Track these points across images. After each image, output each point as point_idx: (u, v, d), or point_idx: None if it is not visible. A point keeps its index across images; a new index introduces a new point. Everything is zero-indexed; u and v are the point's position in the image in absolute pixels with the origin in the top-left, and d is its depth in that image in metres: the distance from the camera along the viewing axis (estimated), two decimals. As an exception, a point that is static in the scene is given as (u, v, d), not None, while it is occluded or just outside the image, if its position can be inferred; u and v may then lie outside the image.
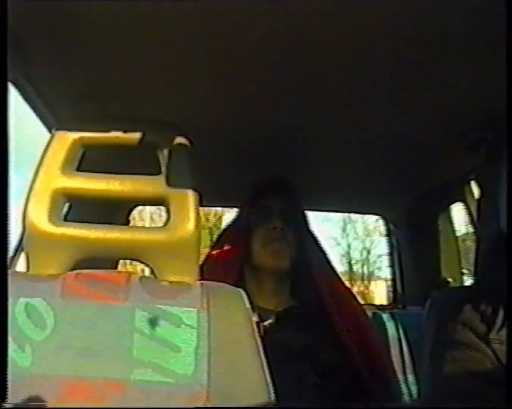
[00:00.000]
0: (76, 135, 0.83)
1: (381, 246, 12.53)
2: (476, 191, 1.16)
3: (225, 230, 1.59)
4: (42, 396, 0.72)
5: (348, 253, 13.23)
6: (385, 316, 1.85)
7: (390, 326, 1.80)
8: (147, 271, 0.90)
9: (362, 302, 1.73)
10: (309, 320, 1.37)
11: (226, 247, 1.47)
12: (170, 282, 0.82)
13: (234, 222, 1.57)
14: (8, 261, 1.44)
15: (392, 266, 2.33)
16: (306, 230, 1.49)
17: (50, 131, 0.84)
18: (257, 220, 1.44)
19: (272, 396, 0.79)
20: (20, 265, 1.44)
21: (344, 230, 13.22)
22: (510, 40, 0.75)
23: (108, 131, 0.84)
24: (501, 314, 0.89)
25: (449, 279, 2.01)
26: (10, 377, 0.70)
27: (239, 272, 1.42)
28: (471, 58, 1.05)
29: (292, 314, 1.39)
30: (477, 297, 0.95)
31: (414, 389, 1.67)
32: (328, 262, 1.49)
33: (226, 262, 1.42)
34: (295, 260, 1.41)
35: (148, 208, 7.90)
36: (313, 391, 1.28)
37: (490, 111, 1.10)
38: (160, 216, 9.12)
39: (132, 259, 0.86)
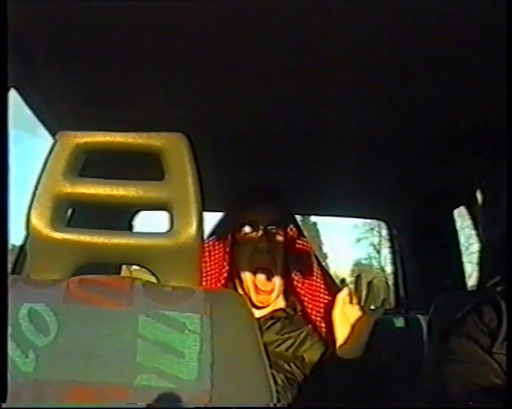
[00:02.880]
0: (79, 140, 0.83)
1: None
2: (479, 196, 1.15)
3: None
4: (45, 401, 0.72)
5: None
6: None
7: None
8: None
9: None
10: (290, 324, 1.39)
11: (208, 261, 1.42)
12: (174, 287, 0.82)
13: (215, 233, 1.50)
14: (12, 267, 1.44)
15: (395, 270, 2.33)
16: (293, 244, 1.45)
17: (53, 136, 0.84)
18: (242, 238, 1.41)
19: (275, 401, 0.79)
20: (24, 270, 1.44)
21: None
22: (510, 44, 0.75)
23: (111, 136, 0.84)
24: (504, 320, 0.89)
25: (453, 284, 2.01)
26: (13, 382, 0.70)
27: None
28: (475, 63, 1.05)
29: (274, 319, 1.40)
30: (480, 303, 0.95)
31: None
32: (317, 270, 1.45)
33: (209, 276, 1.41)
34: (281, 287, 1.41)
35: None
36: (303, 391, 1.29)
37: (494, 115, 1.09)
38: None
39: (135, 264, 0.86)
